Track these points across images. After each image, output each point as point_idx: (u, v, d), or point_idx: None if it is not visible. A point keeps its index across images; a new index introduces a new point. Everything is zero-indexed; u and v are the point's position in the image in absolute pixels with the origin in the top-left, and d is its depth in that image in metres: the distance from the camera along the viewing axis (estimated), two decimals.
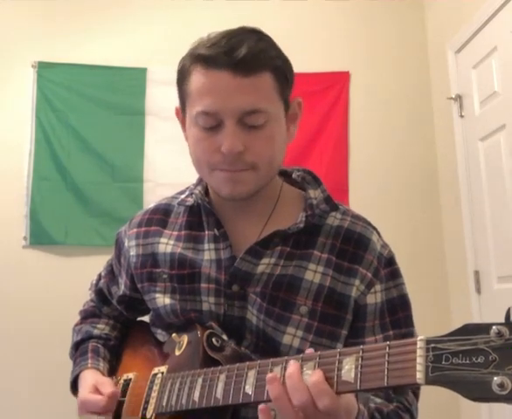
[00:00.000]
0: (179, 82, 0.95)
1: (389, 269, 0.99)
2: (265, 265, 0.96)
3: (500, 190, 2.63)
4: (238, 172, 0.91)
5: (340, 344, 0.95)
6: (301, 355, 0.73)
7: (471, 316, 2.85)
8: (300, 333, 0.93)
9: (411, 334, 0.98)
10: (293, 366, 0.70)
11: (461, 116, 3.00)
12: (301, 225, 0.96)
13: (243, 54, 0.86)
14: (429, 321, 2.79)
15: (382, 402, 0.90)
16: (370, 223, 1.03)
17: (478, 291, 2.83)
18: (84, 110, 3.18)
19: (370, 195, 3.15)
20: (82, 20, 3.27)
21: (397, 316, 0.97)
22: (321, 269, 0.95)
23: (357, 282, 0.95)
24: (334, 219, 1.00)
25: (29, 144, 3.13)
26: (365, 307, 0.95)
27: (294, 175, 1.08)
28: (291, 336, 0.93)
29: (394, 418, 0.90)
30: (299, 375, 0.69)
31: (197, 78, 0.90)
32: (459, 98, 3.01)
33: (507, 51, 2.57)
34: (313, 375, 0.68)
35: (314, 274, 0.95)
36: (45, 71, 3.18)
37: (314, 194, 1.01)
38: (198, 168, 0.98)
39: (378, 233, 1.02)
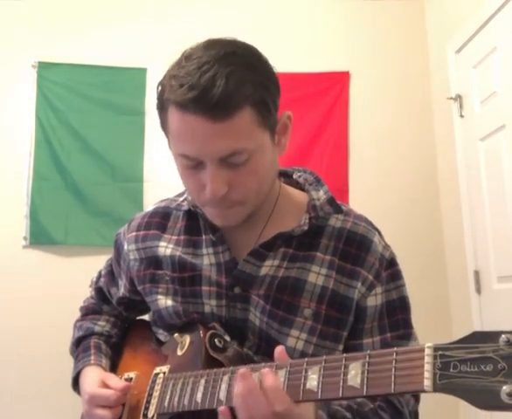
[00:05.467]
0: (158, 109, 0.90)
1: (390, 271, 0.98)
2: (268, 267, 0.96)
3: (500, 190, 2.63)
4: (227, 209, 0.91)
5: (341, 345, 0.95)
6: (306, 359, 0.73)
7: (471, 316, 2.85)
8: (304, 335, 0.93)
9: (409, 336, 0.97)
10: (269, 375, 0.73)
11: (461, 116, 3.00)
12: (305, 228, 0.95)
13: (217, 98, 0.80)
14: (429, 321, 2.80)
15: (362, 401, 0.89)
16: (372, 224, 1.02)
17: (478, 291, 2.82)
18: (84, 110, 3.18)
19: (370, 195, 3.15)
20: (82, 20, 3.27)
21: (396, 318, 0.97)
22: (324, 271, 0.95)
23: (359, 284, 0.94)
24: (336, 220, 0.99)
25: (29, 144, 3.13)
26: (365, 310, 0.95)
27: (294, 176, 1.07)
28: (295, 339, 0.93)
29: (372, 417, 0.89)
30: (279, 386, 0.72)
31: (174, 121, 0.86)
32: (459, 98, 3.01)
33: (507, 51, 2.57)
34: (272, 381, 0.72)
35: (317, 276, 0.95)
36: (46, 71, 3.18)
37: (317, 195, 1.00)
38: (191, 197, 1.01)
39: (380, 234, 1.02)
